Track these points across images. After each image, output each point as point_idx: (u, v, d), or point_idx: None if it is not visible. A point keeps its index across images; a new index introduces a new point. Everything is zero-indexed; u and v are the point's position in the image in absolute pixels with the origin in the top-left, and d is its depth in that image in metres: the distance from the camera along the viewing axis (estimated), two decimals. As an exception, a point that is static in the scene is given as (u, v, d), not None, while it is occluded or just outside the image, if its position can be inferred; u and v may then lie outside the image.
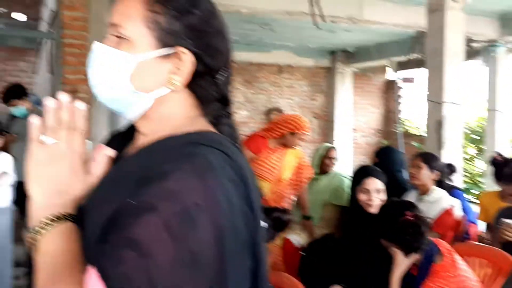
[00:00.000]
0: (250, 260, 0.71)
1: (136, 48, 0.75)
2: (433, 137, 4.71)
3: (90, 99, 3.80)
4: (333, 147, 4.03)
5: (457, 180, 4.03)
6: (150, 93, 0.77)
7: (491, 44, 6.72)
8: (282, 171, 3.47)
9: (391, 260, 1.99)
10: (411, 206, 2.08)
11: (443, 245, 2.07)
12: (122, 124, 0.90)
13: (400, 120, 8.68)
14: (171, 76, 0.76)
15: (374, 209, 2.30)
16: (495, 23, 6.43)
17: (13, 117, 4.12)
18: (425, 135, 4.99)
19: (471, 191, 7.55)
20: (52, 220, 0.72)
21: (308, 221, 3.62)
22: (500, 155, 3.07)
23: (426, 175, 2.97)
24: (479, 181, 7.91)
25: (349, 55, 8.68)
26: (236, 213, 0.69)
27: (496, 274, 2.48)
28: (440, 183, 3.06)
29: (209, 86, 0.80)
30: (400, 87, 8.71)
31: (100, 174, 0.78)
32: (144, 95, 0.77)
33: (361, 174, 2.44)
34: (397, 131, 7.74)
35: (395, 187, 3.09)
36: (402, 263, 1.97)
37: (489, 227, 3.03)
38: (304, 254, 2.52)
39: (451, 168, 3.73)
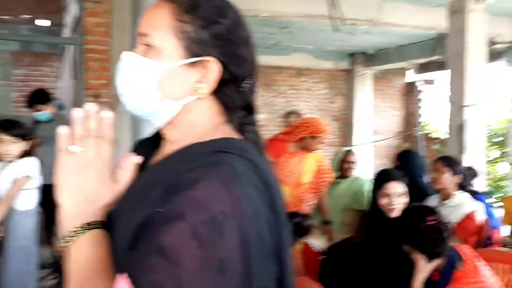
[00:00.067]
0: (275, 266, 0.72)
1: (164, 56, 0.77)
2: (455, 140, 4.65)
3: (113, 104, 3.87)
4: (352, 151, 4.01)
5: (480, 183, 3.97)
6: (177, 101, 0.78)
7: (515, 45, 6.61)
8: (302, 175, 3.47)
9: (412, 265, 1.98)
10: (433, 211, 2.07)
11: (465, 250, 2.05)
12: (144, 130, 0.92)
13: (421, 123, 8.59)
14: (198, 85, 0.77)
15: (395, 213, 2.29)
16: (518, 23, 6.32)
17: (37, 121, 4.21)
18: (447, 137, 4.93)
19: (494, 194, 7.41)
20: (81, 228, 0.73)
21: (327, 225, 3.61)
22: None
23: (448, 179, 2.94)
24: (502, 185, 7.77)
25: (369, 57, 8.62)
26: (261, 220, 0.70)
27: (521, 280, 2.44)
28: (462, 187, 3.02)
29: (235, 94, 0.81)
30: (420, 90, 8.61)
31: (128, 182, 0.79)
32: (171, 103, 0.78)
33: (382, 178, 2.42)
34: (418, 134, 7.66)
35: (416, 192, 3.06)
36: (424, 268, 1.96)
37: (513, 231, 2.98)
38: (324, 258, 2.52)
39: (473, 172, 3.68)
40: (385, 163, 8.24)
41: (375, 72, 8.90)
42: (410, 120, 9.26)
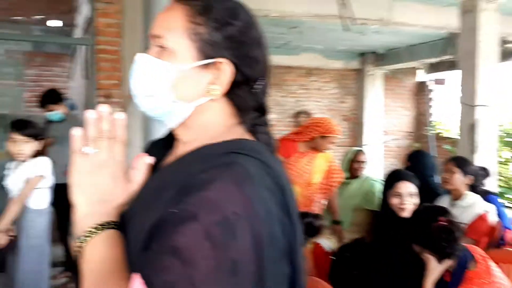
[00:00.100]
0: (288, 267, 0.73)
1: (178, 58, 0.77)
2: (466, 140, 4.62)
3: (124, 104, 3.90)
4: (362, 151, 3.99)
5: (492, 184, 3.94)
6: (190, 102, 0.79)
7: (527, 44, 6.54)
8: (312, 175, 3.46)
9: (423, 265, 1.97)
10: (444, 211, 2.06)
11: (477, 251, 2.04)
12: (156, 130, 0.93)
13: (432, 122, 8.53)
14: (211, 86, 0.78)
15: (406, 213, 2.28)
16: (531, 22, 6.26)
17: (49, 121, 4.25)
18: (458, 138, 4.90)
19: (506, 195, 7.34)
20: (96, 228, 0.74)
21: (338, 225, 3.60)
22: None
23: (459, 179, 2.92)
24: (514, 185, 7.69)
25: (379, 57, 8.58)
26: (274, 221, 0.70)
27: (533, 282, 2.42)
28: (473, 188, 3.00)
29: (247, 95, 0.81)
30: (431, 89, 8.55)
31: (141, 182, 0.80)
32: (184, 104, 0.79)
33: (393, 178, 2.42)
34: (429, 134, 7.61)
35: (427, 192, 3.05)
36: (435, 269, 1.95)
37: (525, 232, 2.96)
38: (334, 258, 2.52)
39: (485, 172, 3.65)
40: (395, 163, 8.20)
41: (385, 71, 8.85)
42: (421, 120, 9.20)
